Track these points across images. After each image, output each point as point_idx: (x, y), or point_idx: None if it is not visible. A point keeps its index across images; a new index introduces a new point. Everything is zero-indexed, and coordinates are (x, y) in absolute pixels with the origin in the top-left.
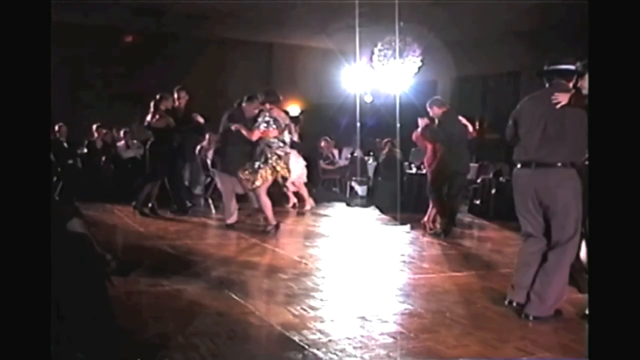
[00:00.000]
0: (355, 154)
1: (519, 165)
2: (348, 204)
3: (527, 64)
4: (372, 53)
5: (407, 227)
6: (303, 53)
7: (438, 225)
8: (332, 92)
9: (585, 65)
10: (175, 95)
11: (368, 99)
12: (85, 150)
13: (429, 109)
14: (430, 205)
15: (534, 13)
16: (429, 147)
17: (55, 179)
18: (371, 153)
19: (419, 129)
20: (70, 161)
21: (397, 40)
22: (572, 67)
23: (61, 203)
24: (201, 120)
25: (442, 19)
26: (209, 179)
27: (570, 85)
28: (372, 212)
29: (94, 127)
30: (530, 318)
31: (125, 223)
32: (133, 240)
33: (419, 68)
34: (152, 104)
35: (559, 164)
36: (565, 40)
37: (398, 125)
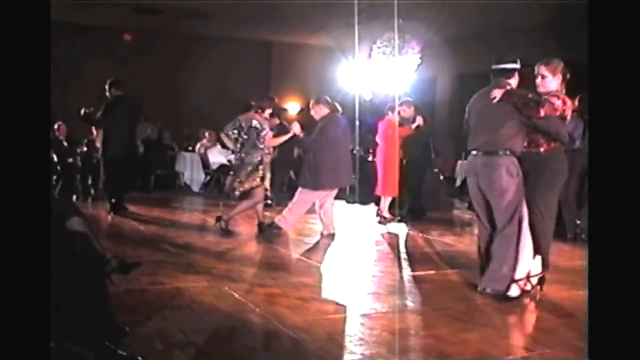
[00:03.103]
0: (354, 152)
1: (472, 153)
2: (347, 201)
3: (527, 61)
4: (371, 50)
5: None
6: (302, 51)
7: (388, 216)
8: (331, 89)
9: (554, 64)
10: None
11: (367, 96)
12: (85, 149)
13: (407, 109)
14: (385, 197)
15: (533, 10)
16: (399, 142)
17: (54, 177)
18: (370, 150)
19: (417, 124)
20: (70, 160)
21: (396, 38)
22: (513, 65)
23: (61, 201)
24: None
25: (441, 16)
26: (208, 178)
27: (511, 81)
28: (372, 209)
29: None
30: (487, 291)
31: (125, 221)
32: (133, 238)
33: (418, 65)
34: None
35: (499, 152)
36: (565, 37)
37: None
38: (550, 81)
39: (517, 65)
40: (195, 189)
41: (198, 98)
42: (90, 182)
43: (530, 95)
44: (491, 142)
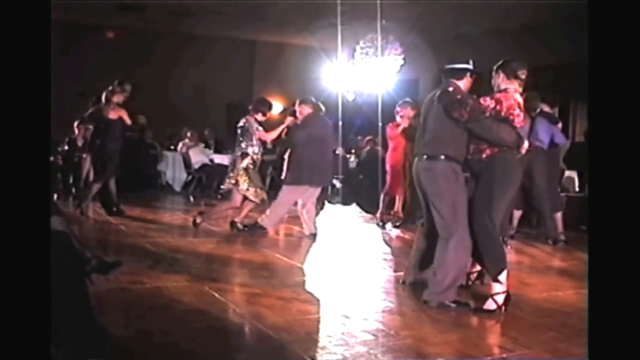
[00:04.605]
0: (336, 152)
1: (416, 157)
2: (330, 202)
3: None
4: (354, 51)
5: (389, 224)
6: (285, 50)
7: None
8: (314, 89)
9: (499, 65)
10: (118, 89)
11: (350, 96)
12: (66, 147)
13: (401, 110)
14: (398, 200)
15: (516, 11)
16: (400, 144)
17: None
18: (353, 151)
19: (402, 126)
20: (51, 158)
21: (379, 38)
22: (463, 65)
23: None
24: (143, 121)
25: (424, 17)
26: (190, 177)
27: (460, 83)
28: (354, 210)
29: (75, 123)
30: (430, 304)
31: (106, 220)
32: (114, 237)
33: (401, 66)
34: (103, 96)
35: (438, 157)
36: (548, 39)
37: (380, 123)
38: (495, 80)
39: (467, 66)
40: (177, 188)
41: (181, 97)
42: (71, 181)
43: (458, 96)
44: (431, 147)
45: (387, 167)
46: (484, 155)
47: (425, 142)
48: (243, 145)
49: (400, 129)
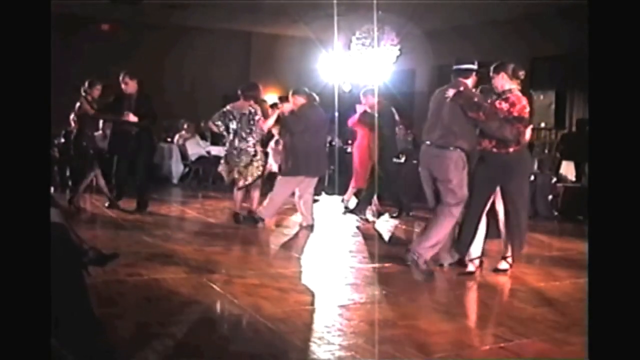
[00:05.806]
0: (333, 143)
1: (426, 143)
2: (327, 193)
3: (507, 54)
4: (350, 42)
5: (385, 215)
6: (281, 42)
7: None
8: (310, 80)
9: (498, 66)
10: (122, 81)
11: (346, 87)
12: (62, 140)
13: (363, 98)
14: (352, 186)
15: (513, 2)
16: (361, 133)
17: None
18: (349, 142)
19: (357, 115)
20: None
21: (375, 29)
22: (468, 66)
23: None
24: (132, 119)
25: (421, 7)
26: (187, 169)
27: (467, 81)
28: (351, 200)
29: (71, 116)
30: (407, 260)
31: (103, 212)
32: (111, 229)
33: (397, 57)
34: (82, 90)
35: (449, 147)
36: (545, 30)
37: (376, 114)
38: (497, 80)
39: (473, 66)
40: (174, 180)
41: (177, 89)
42: (68, 173)
43: (475, 99)
44: (443, 138)
45: (355, 161)
46: (512, 149)
47: (438, 134)
48: (256, 132)
49: (358, 114)
